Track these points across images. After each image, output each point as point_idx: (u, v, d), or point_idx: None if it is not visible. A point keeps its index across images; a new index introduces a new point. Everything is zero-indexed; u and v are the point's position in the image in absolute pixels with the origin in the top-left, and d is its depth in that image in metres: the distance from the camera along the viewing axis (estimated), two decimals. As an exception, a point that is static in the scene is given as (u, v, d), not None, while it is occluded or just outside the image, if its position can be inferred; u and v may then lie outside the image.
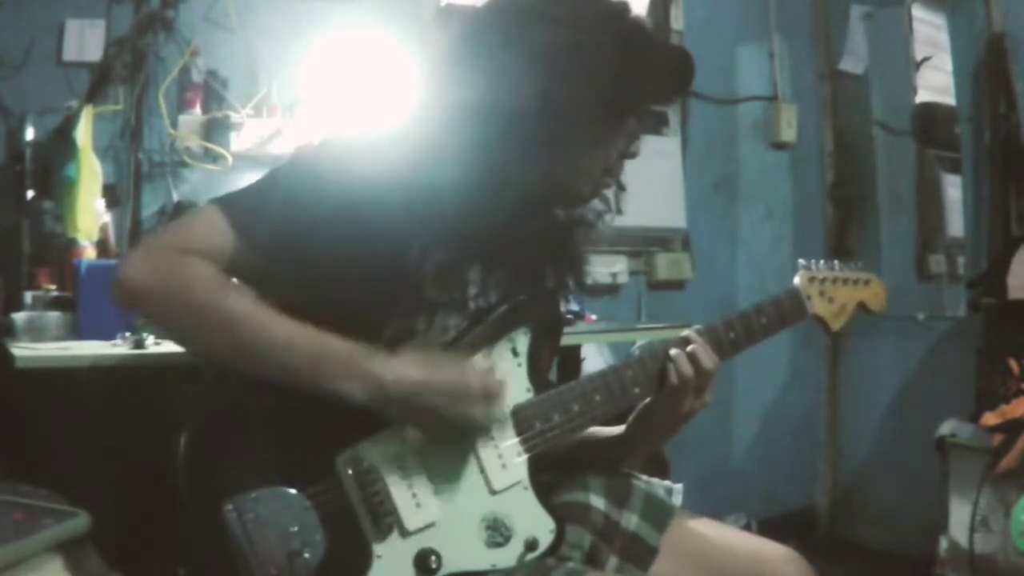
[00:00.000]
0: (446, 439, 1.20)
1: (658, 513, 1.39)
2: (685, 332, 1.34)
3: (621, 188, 1.34)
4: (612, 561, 1.36)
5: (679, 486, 1.45)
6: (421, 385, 1.16)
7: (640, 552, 1.36)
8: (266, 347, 1.13)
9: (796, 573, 1.37)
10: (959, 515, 2.59)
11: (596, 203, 1.36)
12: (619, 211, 1.35)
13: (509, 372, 1.27)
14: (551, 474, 1.35)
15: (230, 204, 1.20)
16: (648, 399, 1.35)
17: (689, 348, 1.32)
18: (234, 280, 1.19)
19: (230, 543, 1.13)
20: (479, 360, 1.23)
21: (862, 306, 1.49)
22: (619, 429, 1.41)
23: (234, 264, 1.17)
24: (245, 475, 1.16)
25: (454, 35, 1.29)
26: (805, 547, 1.46)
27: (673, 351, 1.32)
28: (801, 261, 1.46)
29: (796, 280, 1.45)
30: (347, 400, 1.13)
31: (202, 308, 1.14)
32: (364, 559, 1.17)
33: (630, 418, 1.39)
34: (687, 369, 1.30)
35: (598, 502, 1.39)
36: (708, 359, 1.31)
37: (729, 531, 1.46)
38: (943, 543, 2.66)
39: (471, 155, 1.22)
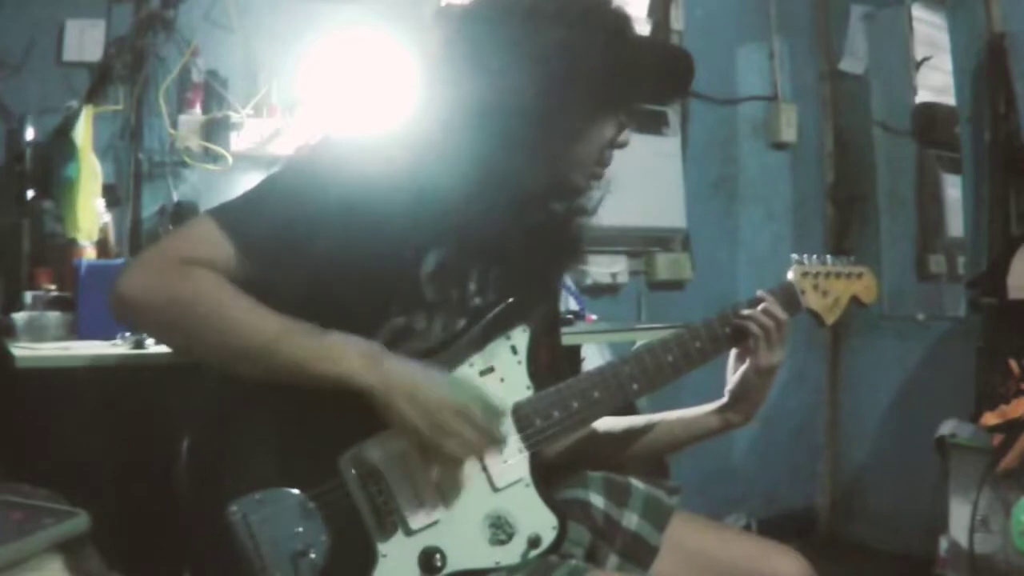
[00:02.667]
0: (427, 449, 1.18)
1: (658, 512, 1.40)
2: (758, 292, 1.41)
3: (597, 177, 1.34)
4: (612, 560, 1.36)
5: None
6: (423, 386, 1.15)
7: (641, 551, 1.37)
8: (269, 342, 1.13)
9: (796, 573, 1.37)
10: (959, 515, 2.59)
11: (591, 194, 1.36)
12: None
13: (508, 370, 1.27)
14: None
15: (225, 214, 1.18)
16: (744, 368, 1.40)
17: (761, 306, 1.38)
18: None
19: (235, 545, 1.13)
20: (490, 403, 1.21)
21: (855, 299, 1.50)
22: (714, 404, 1.44)
23: (232, 274, 1.16)
24: (248, 476, 1.16)
25: (446, 34, 1.29)
26: (805, 547, 1.46)
27: (746, 311, 1.38)
28: (795, 256, 1.47)
29: (790, 275, 1.46)
30: (351, 384, 1.13)
31: (207, 312, 1.13)
32: (369, 558, 1.17)
33: (729, 386, 1.42)
34: (767, 320, 1.37)
35: (598, 500, 1.39)
36: (780, 311, 1.39)
37: (729, 531, 1.46)
38: (943, 543, 2.67)
39: (467, 153, 1.22)
